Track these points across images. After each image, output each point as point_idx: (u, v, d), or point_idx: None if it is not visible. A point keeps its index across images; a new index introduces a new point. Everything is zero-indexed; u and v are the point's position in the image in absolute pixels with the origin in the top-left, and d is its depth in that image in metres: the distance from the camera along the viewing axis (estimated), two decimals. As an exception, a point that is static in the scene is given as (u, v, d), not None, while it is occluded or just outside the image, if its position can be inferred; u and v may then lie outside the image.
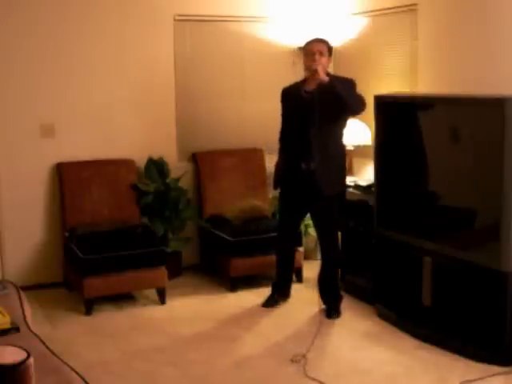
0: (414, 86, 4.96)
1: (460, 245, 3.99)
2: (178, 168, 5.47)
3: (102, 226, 5.02)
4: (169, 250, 5.11)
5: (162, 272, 4.81)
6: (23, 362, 2.07)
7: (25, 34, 4.98)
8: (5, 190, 5.02)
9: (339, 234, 4.71)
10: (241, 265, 5.07)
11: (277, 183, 4.66)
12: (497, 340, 3.74)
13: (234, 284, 5.08)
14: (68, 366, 2.74)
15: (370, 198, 4.69)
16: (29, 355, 2.10)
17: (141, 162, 5.33)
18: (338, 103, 4.25)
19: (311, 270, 5.19)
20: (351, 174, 5.39)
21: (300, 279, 5.22)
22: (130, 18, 5.31)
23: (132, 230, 5.01)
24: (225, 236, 5.10)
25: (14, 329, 3.06)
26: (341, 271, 4.78)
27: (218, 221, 5.35)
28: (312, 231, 5.32)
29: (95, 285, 4.62)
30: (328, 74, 4.31)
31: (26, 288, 4.23)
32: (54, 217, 5.19)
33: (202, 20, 5.55)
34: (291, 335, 4.26)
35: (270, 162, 5.18)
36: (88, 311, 4.62)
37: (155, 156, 5.35)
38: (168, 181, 5.32)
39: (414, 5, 4.89)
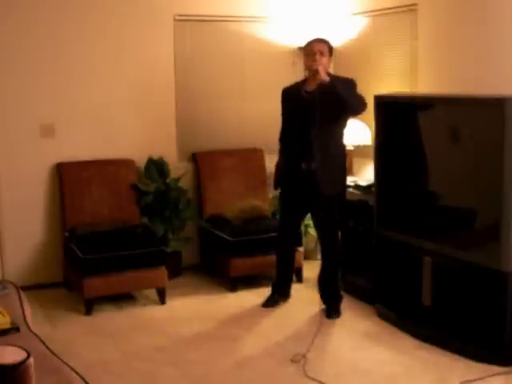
0: (414, 86, 4.96)
1: (460, 245, 3.98)
2: (178, 168, 5.47)
3: (101, 225, 5.01)
4: (169, 250, 5.11)
5: (162, 272, 4.81)
6: (23, 361, 2.07)
7: (24, 34, 4.98)
8: (5, 190, 5.02)
9: (339, 233, 4.71)
10: (241, 265, 5.07)
11: (277, 183, 4.66)
12: (497, 340, 3.74)
13: (234, 284, 5.08)
14: (68, 365, 2.74)
15: (370, 198, 4.69)
16: (29, 355, 2.10)
17: (141, 162, 5.33)
18: (339, 103, 4.24)
19: (311, 270, 5.19)
20: (351, 173, 5.39)
21: (300, 279, 5.22)
22: (130, 18, 5.31)
23: (132, 230, 5.00)
24: (225, 236, 5.10)
25: (14, 329, 3.05)
26: (341, 271, 4.78)
27: (218, 221, 5.35)
28: (312, 231, 5.32)
29: (95, 285, 4.62)
30: (329, 74, 4.31)
31: (25, 288, 4.23)
32: (54, 217, 5.19)
33: (201, 20, 5.55)
34: (291, 335, 4.26)
35: (270, 162, 5.18)
36: (88, 311, 4.62)
37: (155, 156, 5.35)
38: (168, 181, 5.32)
39: (414, 5, 4.89)
